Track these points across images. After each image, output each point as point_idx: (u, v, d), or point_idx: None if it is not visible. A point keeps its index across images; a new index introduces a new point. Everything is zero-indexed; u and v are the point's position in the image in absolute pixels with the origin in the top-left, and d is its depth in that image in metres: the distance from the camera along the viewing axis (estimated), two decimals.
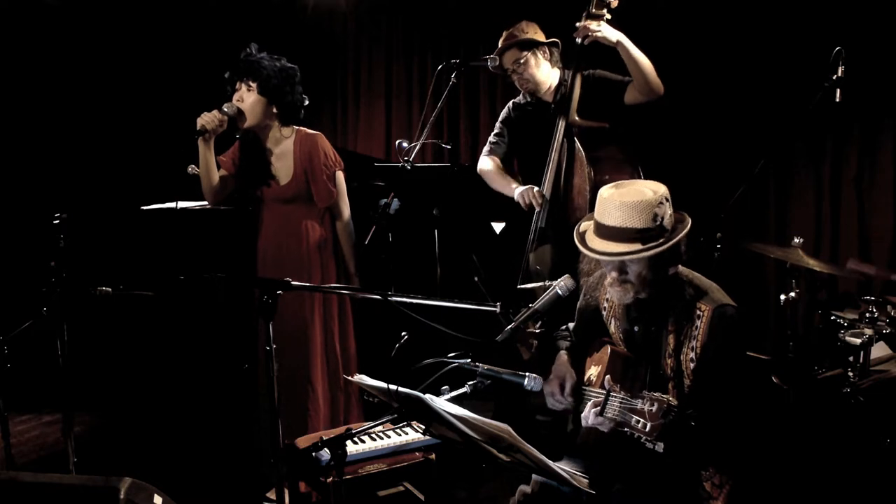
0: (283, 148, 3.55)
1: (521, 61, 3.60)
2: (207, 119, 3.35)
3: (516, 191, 3.59)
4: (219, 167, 3.52)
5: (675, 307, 2.34)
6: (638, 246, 2.22)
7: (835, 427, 3.24)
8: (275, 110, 3.49)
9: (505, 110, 3.87)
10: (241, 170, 3.58)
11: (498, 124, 3.88)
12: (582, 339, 2.65)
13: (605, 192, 2.33)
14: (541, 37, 3.65)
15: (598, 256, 2.30)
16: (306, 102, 3.58)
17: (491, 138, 3.88)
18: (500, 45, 3.66)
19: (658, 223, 2.24)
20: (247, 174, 3.57)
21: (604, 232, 2.28)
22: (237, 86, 3.45)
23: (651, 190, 2.28)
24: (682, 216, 2.33)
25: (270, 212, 3.59)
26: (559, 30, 3.69)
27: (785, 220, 4.51)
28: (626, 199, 2.24)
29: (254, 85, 3.42)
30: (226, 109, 3.40)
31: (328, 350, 3.59)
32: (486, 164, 3.83)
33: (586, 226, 2.40)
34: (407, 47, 5.61)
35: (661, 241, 2.23)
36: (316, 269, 3.55)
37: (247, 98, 3.44)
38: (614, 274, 2.32)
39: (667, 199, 2.28)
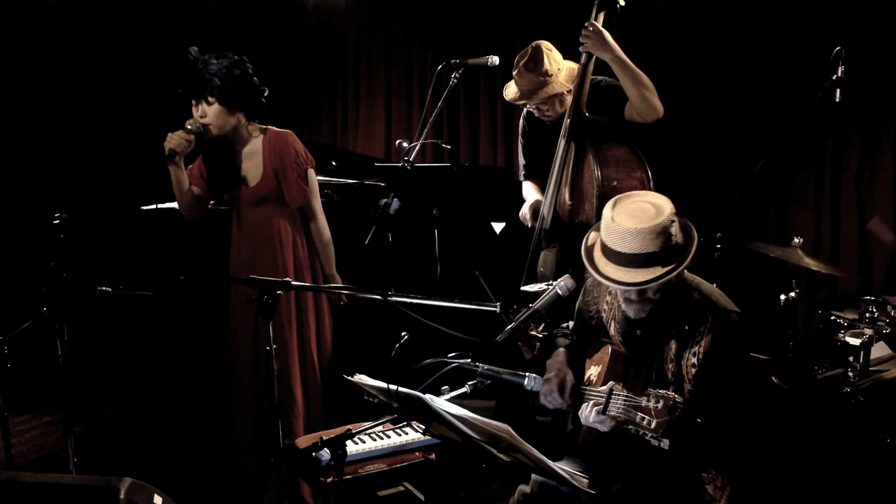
0: (252, 148, 3.42)
1: (555, 105, 3.46)
2: (175, 142, 3.24)
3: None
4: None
5: (680, 312, 2.32)
6: (658, 270, 2.19)
7: (835, 427, 3.24)
8: (237, 112, 3.36)
9: (521, 123, 3.75)
10: (209, 180, 3.47)
11: (520, 141, 3.78)
12: (580, 338, 2.64)
13: (608, 212, 2.27)
14: (560, 63, 3.44)
15: (619, 287, 2.25)
16: (266, 93, 3.43)
17: (520, 159, 3.79)
18: (522, 88, 3.43)
19: (673, 243, 2.21)
20: (216, 181, 3.46)
21: (619, 259, 2.23)
22: (193, 102, 3.32)
23: (656, 207, 2.23)
24: (687, 225, 2.30)
25: (241, 215, 3.46)
26: (560, 29, 3.69)
27: (785, 220, 4.51)
28: (640, 226, 2.19)
29: (211, 99, 3.29)
30: (190, 128, 3.28)
31: (304, 356, 3.47)
32: (526, 191, 3.72)
33: (594, 238, 2.35)
34: (407, 47, 5.61)
35: (677, 262, 2.20)
36: (291, 273, 3.40)
37: (208, 111, 3.30)
38: (633, 296, 2.29)
39: (675, 215, 2.24)
